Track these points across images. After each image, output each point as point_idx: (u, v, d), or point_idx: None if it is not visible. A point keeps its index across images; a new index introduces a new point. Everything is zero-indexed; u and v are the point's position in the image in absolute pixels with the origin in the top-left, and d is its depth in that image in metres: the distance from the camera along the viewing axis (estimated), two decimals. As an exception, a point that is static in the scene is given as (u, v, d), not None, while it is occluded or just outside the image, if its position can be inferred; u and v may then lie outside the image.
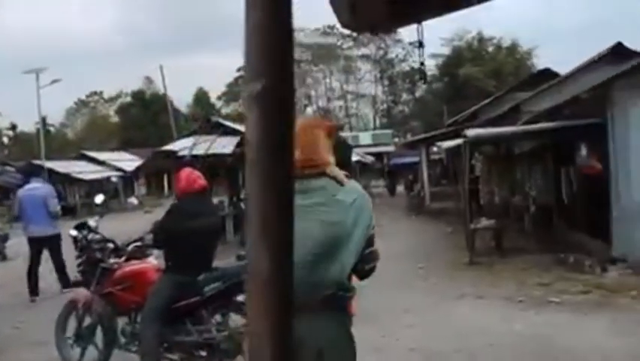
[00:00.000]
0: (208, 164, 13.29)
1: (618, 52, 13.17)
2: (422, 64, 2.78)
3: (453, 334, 6.09)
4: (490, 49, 45.66)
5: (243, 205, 12.17)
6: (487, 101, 20.66)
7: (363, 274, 2.69)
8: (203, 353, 5.03)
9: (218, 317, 5.12)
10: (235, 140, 13.27)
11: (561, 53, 51.24)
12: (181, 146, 13.59)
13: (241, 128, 15.28)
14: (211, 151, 12.89)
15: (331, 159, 2.62)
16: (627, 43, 13.51)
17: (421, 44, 1.88)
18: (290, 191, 0.59)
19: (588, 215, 9.98)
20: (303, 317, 2.22)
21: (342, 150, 2.84)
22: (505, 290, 8.00)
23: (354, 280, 2.65)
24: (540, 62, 39.13)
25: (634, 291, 7.40)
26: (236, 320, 5.10)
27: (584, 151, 8.52)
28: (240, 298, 4.99)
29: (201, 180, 5.12)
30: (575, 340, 5.67)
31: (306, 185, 2.50)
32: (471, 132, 10.41)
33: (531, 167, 12.33)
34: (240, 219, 10.97)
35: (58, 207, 9.10)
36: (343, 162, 2.75)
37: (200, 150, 12.98)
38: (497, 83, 36.44)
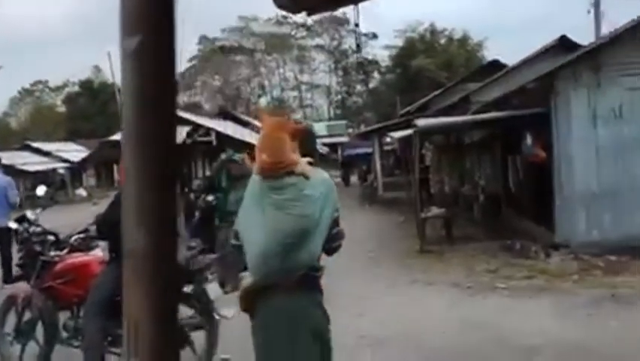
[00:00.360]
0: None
1: (563, 44, 13.58)
2: (358, 46, 2.95)
3: (403, 320, 6.15)
4: (442, 41, 46.26)
5: (192, 196, 11.95)
6: (438, 92, 20.95)
7: (331, 252, 3.12)
8: (149, 346, 4.94)
9: (165, 309, 5.02)
10: (185, 129, 13.01)
11: (510, 45, 52.47)
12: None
13: (192, 117, 15.02)
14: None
15: (297, 157, 2.93)
16: (571, 36, 13.95)
17: (357, 25, 1.87)
18: (173, 161, 0.54)
19: (534, 203, 10.26)
20: (279, 296, 2.84)
21: (307, 141, 3.15)
22: (454, 277, 8.14)
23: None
24: (490, 54, 39.90)
25: (575, 275, 7.66)
26: (183, 310, 5.00)
27: (529, 140, 8.73)
28: (187, 288, 4.90)
29: None
30: (520, 323, 5.82)
31: (279, 182, 2.86)
32: (421, 122, 10.52)
33: (480, 156, 12.58)
34: (191, 211, 10.73)
35: (18, 199, 8.82)
36: (309, 151, 3.07)
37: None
38: (449, 75, 36.95)
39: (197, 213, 8.95)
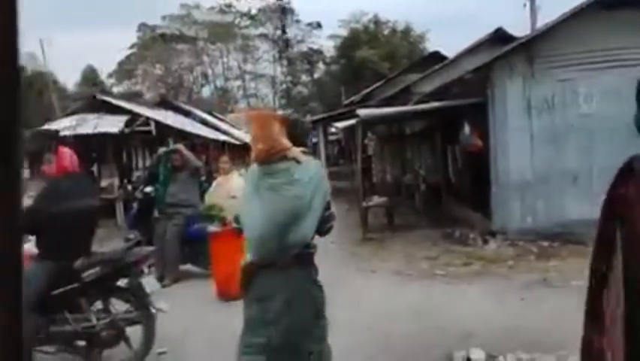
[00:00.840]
0: (95, 144, 12.58)
1: (499, 37, 13.95)
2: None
3: (345, 308, 6.16)
4: (386, 32, 46.71)
5: (130, 188, 11.64)
6: (380, 82, 21.16)
7: (324, 233, 3.38)
8: (82, 343, 4.74)
9: (98, 304, 4.83)
10: (124, 118, 12.61)
11: (451, 37, 53.48)
12: (64, 125, 12.69)
13: (130, 106, 14.58)
14: (97, 130, 12.16)
15: (288, 143, 3.19)
16: (509, 29, 14.36)
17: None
18: (16, 159, 0.47)
19: (472, 191, 10.53)
20: (276, 273, 3.08)
21: (296, 129, 3.47)
22: (395, 264, 8.26)
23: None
24: (432, 46, 40.56)
25: (510, 261, 7.91)
26: (118, 306, 4.85)
27: (467, 129, 8.93)
28: (122, 283, 4.75)
29: (74, 160, 4.77)
30: (458, 309, 5.96)
31: (272, 168, 3.14)
32: (363, 112, 10.58)
33: (421, 146, 12.80)
34: (130, 203, 10.43)
35: None
36: (300, 139, 3.40)
37: (85, 130, 12.20)
38: (392, 66, 37.39)
39: (134, 205, 8.70)
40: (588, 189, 8.70)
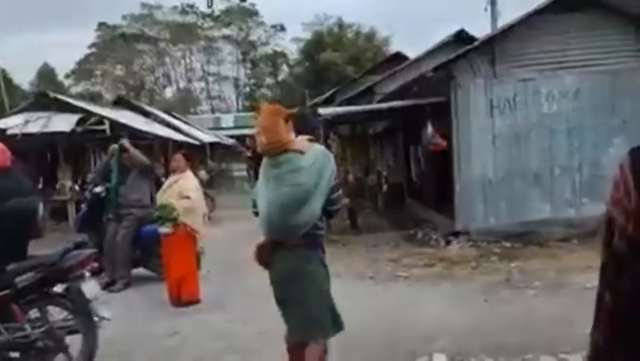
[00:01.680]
0: (45, 143, 12.02)
1: (461, 38, 13.96)
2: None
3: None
4: (350, 35, 46.70)
5: (78, 188, 11.14)
6: (344, 84, 21.03)
7: (331, 214, 3.75)
8: (16, 355, 4.35)
9: (34, 312, 4.44)
10: (75, 117, 12.07)
11: (414, 40, 53.91)
12: (12, 123, 12.08)
13: (83, 104, 14.00)
14: (47, 129, 11.60)
15: (292, 136, 3.50)
16: (470, 32, 14.39)
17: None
18: None
19: (435, 192, 10.42)
20: (284, 252, 3.46)
21: (302, 122, 3.84)
22: (357, 267, 8.04)
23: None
24: (396, 49, 40.74)
25: (473, 262, 7.79)
26: (56, 312, 4.47)
27: (429, 129, 8.79)
28: (59, 289, 4.38)
29: (7, 156, 4.39)
30: (420, 312, 5.77)
31: (277, 159, 3.45)
32: (325, 111, 10.36)
33: (384, 147, 12.67)
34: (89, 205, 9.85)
35: None
36: (309, 131, 3.75)
37: (34, 128, 11.62)
38: (356, 69, 37.33)
39: (83, 206, 8.26)
40: (549, 190, 8.70)
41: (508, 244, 8.41)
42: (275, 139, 3.44)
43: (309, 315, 3.55)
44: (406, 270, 7.65)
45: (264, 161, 3.56)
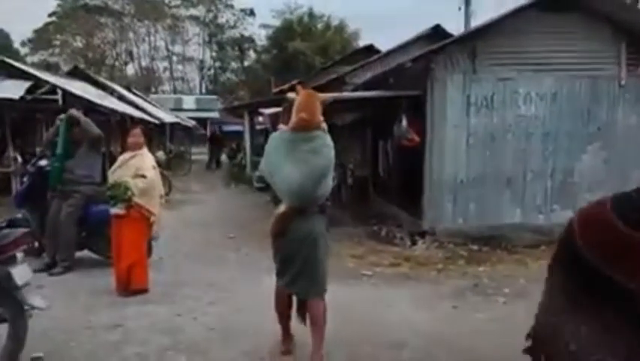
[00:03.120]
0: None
1: (437, 33, 13.68)
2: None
3: (258, 311, 5.45)
4: (320, 26, 46.16)
5: (21, 160, 10.38)
6: (312, 73, 20.54)
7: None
8: None
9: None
10: (26, 84, 11.23)
11: (384, 36, 53.74)
12: (-47, 86, 11.14)
13: (35, 71, 13.10)
14: (-7, 95, 10.73)
15: (322, 117, 4.11)
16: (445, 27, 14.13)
17: None
18: None
19: (402, 188, 10.10)
20: (304, 218, 3.99)
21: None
22: (318, 262, 7.63)
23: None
24: (365, 44, 40.41)
25: (440, 264, 7.49)
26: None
27: (404, 122, 8.43)
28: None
29: None
30: (386, 315, 5.41)
31: (310, 134, 3.98)
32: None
33: (351, 139, 12.28)
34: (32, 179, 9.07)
35: None
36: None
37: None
38: (324, 60, 36.86)
39: (25, 180, 7.58)
40: (520, 194, 8.49)
41: (475, 247, 8.15)
42: (313, 117, 4.02)
43: (316, 272, 4.13)
44: (370, 268, 7.29)
45: (288, 137, 4.04)
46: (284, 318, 4.43)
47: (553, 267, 1.16)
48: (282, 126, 4.29)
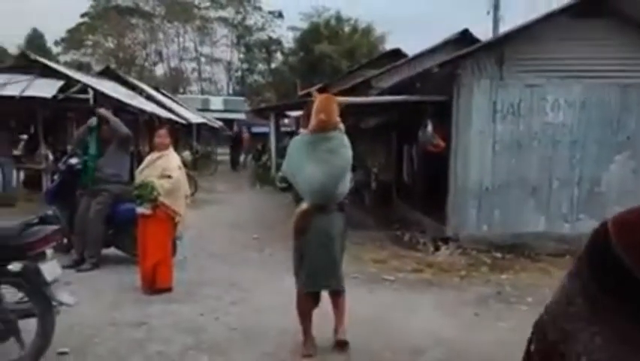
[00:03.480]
0: (24, 108, 11.43)
1: (465, 38, 13.58)
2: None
3: (280, 312, 5.51)
4: (347, 29, 46.18)
5: (53, 158, 10.60)
6: (339, 76, 20.57)
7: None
8: (-39, 335, 3.90)
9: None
10: (58, 83, 11.49)
11: (411, 41, 53.47)
12: (-11, 84, 11.46)
13: (67, 71, 13.40)
14: (27, 93, 11.01)
15: (339, 119, 4.41)
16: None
17: None
18: None
19: (426, 193, 10.06)
20: (325, 215, 4.29)
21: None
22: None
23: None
24: (392, 47, 40.26)
25: (463, 271, 7.44)
26: (10, 293, 4.02)
27: (429, 127, 8.40)
28: (16, 267, 3.91)
29: None
30: (407, 320, 5.41)
31: (328, 135, 4.31)
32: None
33: (375, 143, 12.27)
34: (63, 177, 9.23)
35: None
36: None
37: (12, 91, 11.03)
38: (351, 64, 36.87)
39: (56, 178, 7.75)
40: (545, 202, 8.38)
41: (498, 255, 8.07)
42: (331, 118, 4.34)
43: (336, 264, 4.46)
44: (392, 273, 7.28)
45: (308, 138, 4.40)
46: (306, 320, 4.53)
47: (576, 270, 1.11)
48: (302, 130, 4.67)
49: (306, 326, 4.54)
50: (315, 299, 4.55)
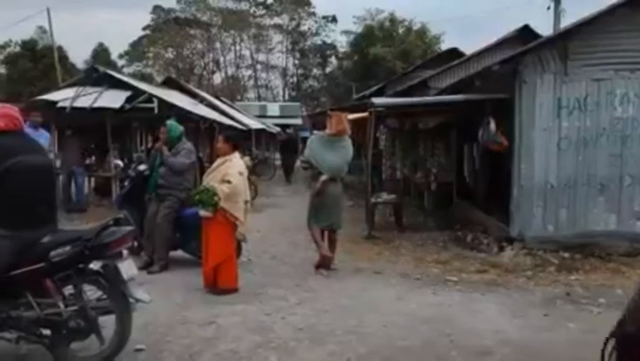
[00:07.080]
0: (94, 118, 11.96)
1: (525, 35, 13.26)
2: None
3: (345, 312, 5.56)
4: (401, 31, 45.88)
5: (122, 165, 11.02)
6: (394, 77, 20.48)
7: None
8: (47, 332, 4.12)
9: (68, 289, 4.20)
10: (125, 94, 11.98)
11: (467, 40, 52.59)
12: (62, 96, 12.06)
13: (133, 82, 13.95)
14: (97, 104, 11.53)
15: (349, 129, 7.37)
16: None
17: None
18: None
19: (488, 193, 9.87)
20: (335, 183, 7.22)
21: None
22: (402, 267, 7.64)
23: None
24: (447, 47, 39.68)
25: (529, 271, 7.27)
26: (90, 291, 4.23)
27: (492, 126, 8.23)
28: (96, 266, 4.12)
29: (17, 117, 4.16)
30: (472, 321, 5.34)
31: (340, 138, 7.21)
32: (378, 100, 9.94)
33: (434, 143, 12.09)
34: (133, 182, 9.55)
35: None
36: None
37: (84, 103, 11.57)
38: (405, 65, 36.61)
39: (126, 183, 8.09)
40: (616, 200, 8.06)
41: (566, 255, 7.82)
42: (344, 128, 7.24)
43: (340, 215, 7.42)
44: (455, 274, 7.18)
45: (328, 138, 7.28)
46: (318, 239, 7.22)
47: None
48: (316, 132, 7.78)
49: (319, 241, 7.21)
50: (322, 232, 7.27)
